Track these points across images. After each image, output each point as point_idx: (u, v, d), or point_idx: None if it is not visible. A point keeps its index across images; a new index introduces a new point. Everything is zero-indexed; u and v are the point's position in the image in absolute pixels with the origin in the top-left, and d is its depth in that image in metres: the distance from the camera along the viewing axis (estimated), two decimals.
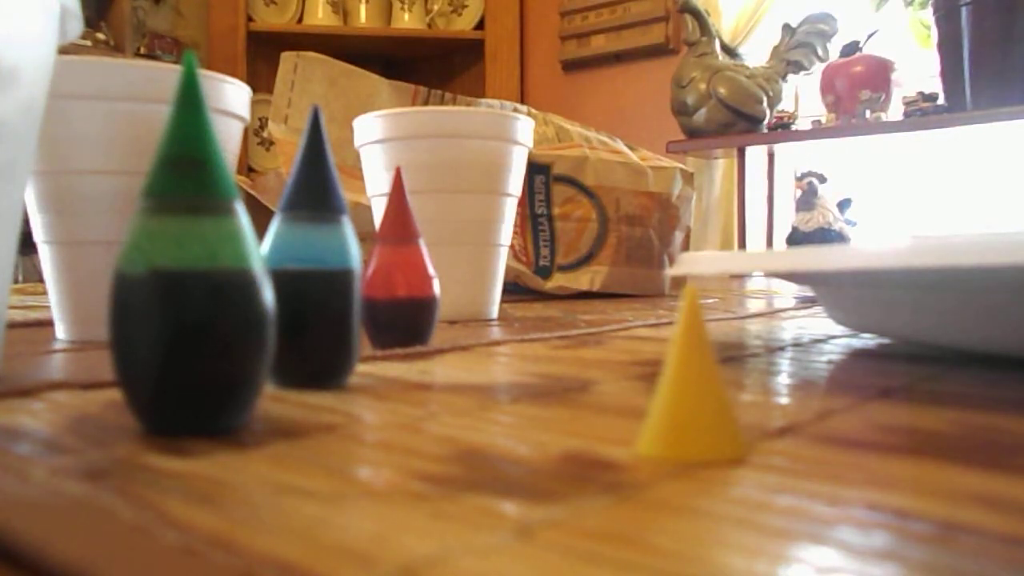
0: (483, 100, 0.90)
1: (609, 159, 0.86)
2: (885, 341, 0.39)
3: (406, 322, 0.35)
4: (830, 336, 0.42)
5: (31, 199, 0.39)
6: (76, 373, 0.28)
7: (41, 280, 0.43)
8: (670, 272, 0.37)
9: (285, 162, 0.81)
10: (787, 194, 1.87)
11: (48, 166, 0.37)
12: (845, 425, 0.20)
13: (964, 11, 1.48)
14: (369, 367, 0.30)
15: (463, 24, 2.38)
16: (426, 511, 0.13)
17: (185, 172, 0.19)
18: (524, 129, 0.54)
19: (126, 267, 0.18)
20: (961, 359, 0.32)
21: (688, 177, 0.93)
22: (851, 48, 1.73)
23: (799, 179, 1.64)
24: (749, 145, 1.79)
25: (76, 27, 0.28)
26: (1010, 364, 0.30)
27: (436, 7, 2.36)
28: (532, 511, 0.13)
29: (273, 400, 0.23)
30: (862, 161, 1.92)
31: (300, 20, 2.31)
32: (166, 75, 0.38)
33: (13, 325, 0.47)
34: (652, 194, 0.88)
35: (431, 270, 0.36)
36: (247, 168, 2.23)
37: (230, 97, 0.40)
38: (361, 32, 2.31)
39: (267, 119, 0.86)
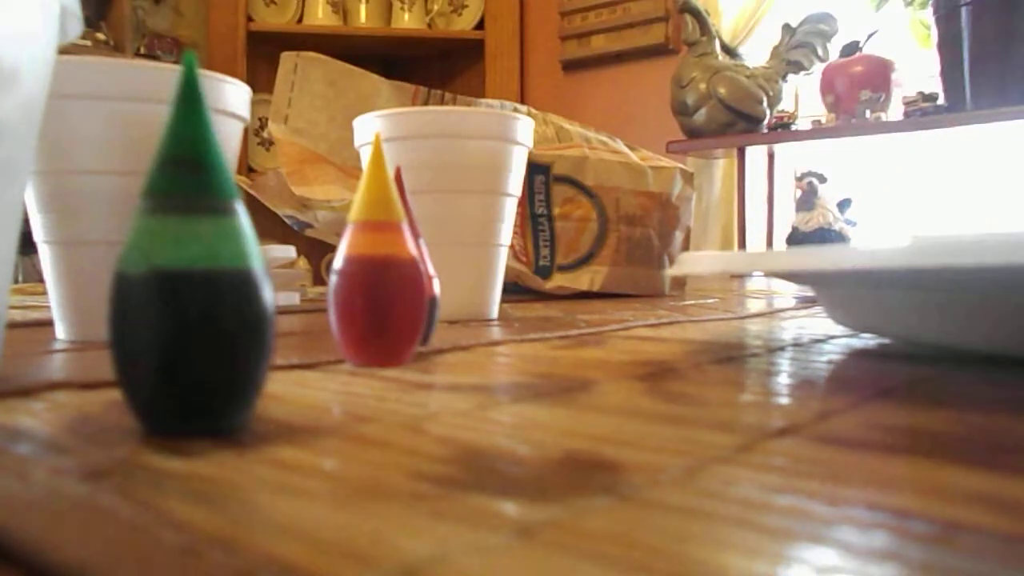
0: (483, 100, 0.90)
1: (609, 159, 0.86)
2: (885, 341, 0.39)
3: None
4: (830, 336, 0.42)
5: (31, 199, 0.39)
6: (76, 373, 0.28)
7: (41, 280, 0.43)
8: (670, 272, 0.37)
9: (285, 162, 0.81)
10: (787, 194, 1.87)
11: (48, 166, 0.37)
12: (845, 425, 0.20)
13: (964, 11, 1.48)
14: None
15: (463, 24, 2.38)
16: (426, 511, 0.13)
17: (185, 172, 0.19)
18: (524, 129, 0.54)
19: (126, 267, 0.18)
20: (961, 359, 0.32)
21: (688, 177, 0.93)
22: (851, 48, 1.73)
23: (799, 179, 1.64)
24: (749, 145, 1.79)
25: (76, 27, 0.28)
26: (1010, 364, 0.30)
27: (436, 7, 2.36)
28: (532, 511, 0.13)
29: (273, 400, 0.23)
30: (862, 161, 1.92)
31: (300, 20, 2.30)
32: (166, 75, 0.38)
33: (13, 325, 0.47)
34: (652, 194, 0.88)
35: (431, 270, 0.36)
36: (247, 168, 2.23)
37: (230, 97, 0.40)
38: (361, 32, 2.31)
39: (267, 119, 0.86)
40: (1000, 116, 1.44)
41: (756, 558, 0.11)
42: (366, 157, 0.54)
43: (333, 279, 0.30)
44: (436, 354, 0.34)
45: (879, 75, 1.68)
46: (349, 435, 0.19)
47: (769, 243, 1.89)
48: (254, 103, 0.47)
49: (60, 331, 0.40)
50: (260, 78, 2.10)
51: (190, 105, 0.19)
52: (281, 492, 0.14)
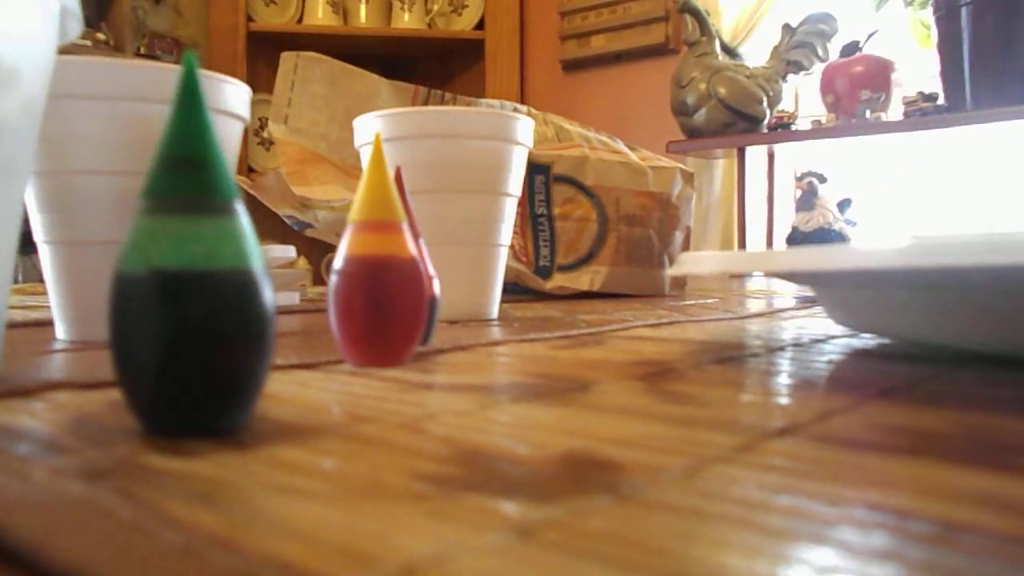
0: (483, 100, 0.90)
1: (609, 159, 0.87)
2: (885, 341, 0.39)
3: None
4: (830, 336, 0.42)
5: (31, 199, 0.39)
6: (76, 373, 0.28)
7: (41, 280, 0.43)
8: (670, 272, 0.37)
9: (285, 162, 0.81)
10: (787, 194, 1.87)
11: (48, 166, 0.37)
12: (845, 425, 0.20)
13: (964, 11, 1.48)
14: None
15: (463, 24, 2.38)
16: (426, 511, 0.13)
17: (185, 172, 0.19)
18: (524, 129, 0.54)
19: (126, 267, 0.18)
20: (961, 359, 0.32)
21: (688, 177, 0.93)
22: (851, 48, 1.73)
23: (799, 179, 1.64)
24: (749, 145, 1.79)
25: (76, 27, 0.28)
26: (1010, 364, 0.30)
27: (436, 7, 2.36)
28: (532, 511, 0.13)
29: (273, 400, 0.23)
30: (862, 161, 1.92)
31: (300, 20, 2.30)
32: (166, 75, 0.38)
33: (13, 325, 0.47)
34: (652, 194, 0.88)
35: (431, 270, 0.36)
36: (247, 168, 2.23)
37: (230, 97, 0.40)
38: (361, 32, 2.31)
39: (267, 119, 0.86)
40: (1000, 116, 1.44)
41: (756, 558, 0.11)
42: (366, 157, 0.54)
43: (333, 279, 0.30)
44: (436, 354, 0.34)
45: (879, 75, 1.68)
46: (349, 435, 0.19)
47: (769, 243, 1.89)
48: (254, 103, 0.47)
49: (60, 331, 0.40)
50: (260, 78, 2.10)
51: (190, 105, 0.19)
52: (281, 492, 0.14)
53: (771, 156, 1.94)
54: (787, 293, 0.93)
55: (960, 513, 0.13)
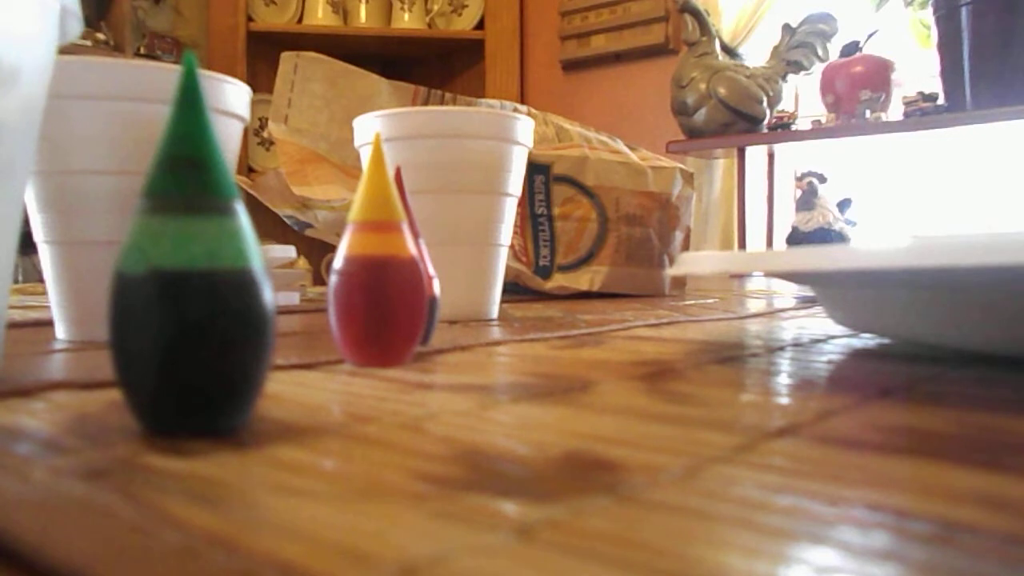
0: (483, 100, 0.90)
1: (609, 159, 0.87)
2: (885, 341, 0.39)
3: None
4: (830, 336, 0.42)
5: (31, 199, 0.39)
6: (76, 373, 0.28)
7: (41, 280, 0.43)
8: (670, 272, 0.37)
9: (285, 162, 0.81)
10: (787, 194, 1.87)
11: (48, 166, 0.37)
12: (845, 425, 0.20)
13: (964, 11, 1.48)
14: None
15: (463, 24, 2.38)
16: (426, 511, 0.13)
17: (185, 172, 0.19)
18: (524, 129, 0.54)
19: (126, 267, 0.18)
20: (961, 359, 0.32)
21: (688, 177, 0.93)
22: (851, 48, 1.73)
23: (799, 179, 1.64)
24: (749, 145, 1.79)
25: (76, 27, 0.28)
26: (1010, 364, 0.30)
27: (436, 7, 2.36)
28: (532, 511, 0.13)
29: (273, 400, 0.23)
30: (862, 161, 1.92)
31: (300, 20, 2.30)
32: (166, 75, 0.38)
33: (13, 325, 0.47)
34: (652, 194, 0.88)
35: (431, 270, 0.36)
36: (247, 168, 2.23)
37: (230, 97, 0.40)
38: (361, 32, 2.31)
39: (267, 119, 0.86)
40: (1000, 116, 1.44)
41: (756, 558, 0.11)
42: (366, 157, 0.54)
43: (333, 279, 0.30)
44: (436, 354, 0.34)
45: (879, 75, 1.68)
46: (349, 435, 0.19)
47: (769, 243, 1.89)
48: (254, 103, 0.47)
49: (60, 331, 0.40)
50: (260, 78, 2.10)
51: (190, 105, 0.19)
52: (281, 492, 0.14)
53: (771, 156, 1.94)
54: (787, 293, 0.93)
55: (960, 513, 0.13)
